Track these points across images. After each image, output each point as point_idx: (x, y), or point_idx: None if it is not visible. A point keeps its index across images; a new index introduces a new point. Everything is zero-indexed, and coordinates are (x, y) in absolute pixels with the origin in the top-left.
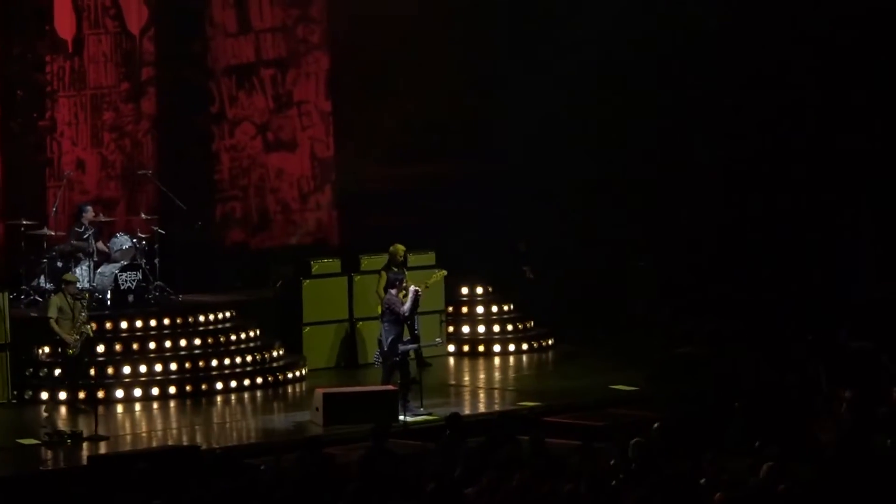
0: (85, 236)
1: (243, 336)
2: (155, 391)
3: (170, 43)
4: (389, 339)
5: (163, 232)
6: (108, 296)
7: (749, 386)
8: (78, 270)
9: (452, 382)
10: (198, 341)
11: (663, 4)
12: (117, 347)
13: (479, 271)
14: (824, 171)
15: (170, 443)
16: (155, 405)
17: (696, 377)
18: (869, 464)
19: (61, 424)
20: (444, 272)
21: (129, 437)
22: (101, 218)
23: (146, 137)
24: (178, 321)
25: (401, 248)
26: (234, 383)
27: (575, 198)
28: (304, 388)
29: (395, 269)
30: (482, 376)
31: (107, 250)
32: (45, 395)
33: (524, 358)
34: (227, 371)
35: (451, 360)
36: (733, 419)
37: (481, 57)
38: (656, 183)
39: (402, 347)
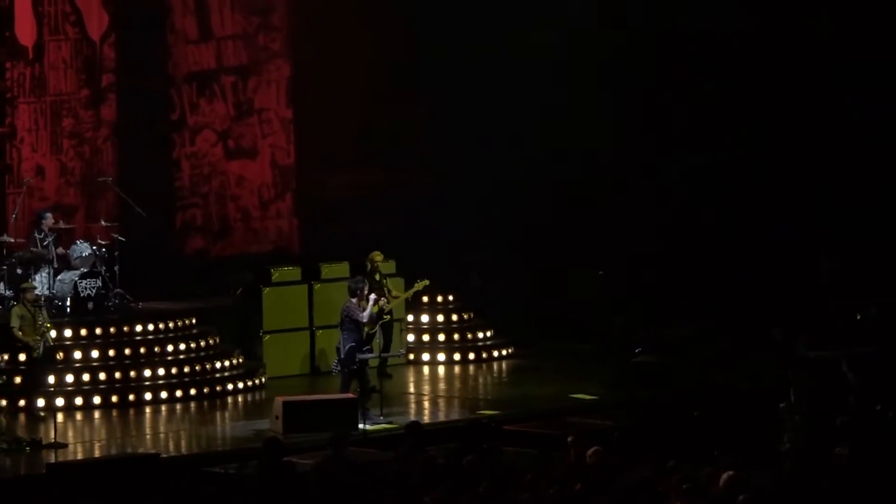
0: (45, 243)
1: (203, 344)
2: (114, 399)
3: (130, 50)
4: (347, 347)
5: (122, 239)
6: (68, 303)
7: (707, 394)
8: (38, 277)
9: (412, 391)
10: (157, 349)
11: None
12: (76, 355)
13: (440, 280)
14: (782, 179)
15: (129, 450)
16: (114, 413)
17: (653, 386)
18: (827, 473)
19: (20, 432)
20: (426, 282)
21: (87, 445)
22: (61, 225)
23: (106, 144)
24: (138, 328)
25: (378, 255)
26: (193, 391)
27: (535, 206)
28: (263, 396)
29: (358, 278)
30: (442, 385)
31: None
32: (3, 402)
33: (483, 367)
34: (186, 379)
35: (411, 369)
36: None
37: (441, 66)
38: (616, 192)
39: (360, 356)
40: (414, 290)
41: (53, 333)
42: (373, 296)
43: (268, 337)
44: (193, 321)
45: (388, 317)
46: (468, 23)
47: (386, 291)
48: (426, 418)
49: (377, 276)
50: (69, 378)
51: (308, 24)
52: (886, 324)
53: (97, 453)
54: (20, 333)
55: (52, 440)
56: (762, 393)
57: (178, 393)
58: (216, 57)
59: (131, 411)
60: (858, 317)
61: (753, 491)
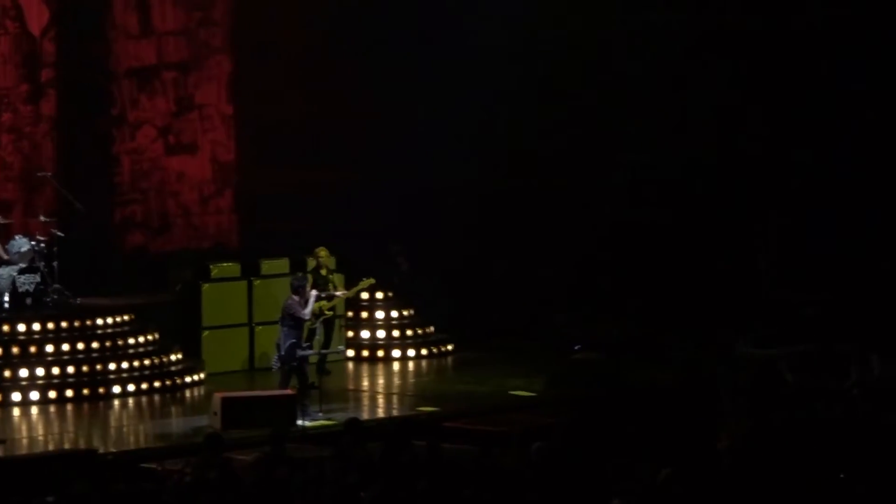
0: None
1: (142, 340)
2: (52, 394)
3: (71, 44)
4: (288, 344)
5: (62, 234)
6: (6, 298)
7: (647, 391)
8: None
9: (351, 387)
10: (95, 345)
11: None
12: (14, 350)
13: (380, 276)
14: (725, 178)
15: (67, 446)
16: (52, 408)
17: (593, 382)
18: (765, 470)
19: None
20: (372, 280)
21: (25, 441)
22: None
23: (45, 139)
24: (77, 324)
25: (323, 251)
26: (132, 387)
27: (473, 203)
28: (202, 392)
29: (300, 275)
30: (381, 381)
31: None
32: None
33: (423, 363)
34: (125, 375)
35: (351, 365)
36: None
37: (379, 63)
38: (555, 189)
39: (300, 352)
40: (359, 287)
41: None
42: (314, 292)
43: (207, 333)
44: (133, 317)
45: (331, 313)
46: (408, 22)
47: (331, 287)
48: (365, 415)
49: (323, 272)
50: (6, 374)
51: (249, 20)
52: (824, 321)
53: (35, 449)
54: None
55: None
56: (701, 391)
57: (117, 389)
58: (157, 52)
59: (69, 407)
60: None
61: (691, 488)
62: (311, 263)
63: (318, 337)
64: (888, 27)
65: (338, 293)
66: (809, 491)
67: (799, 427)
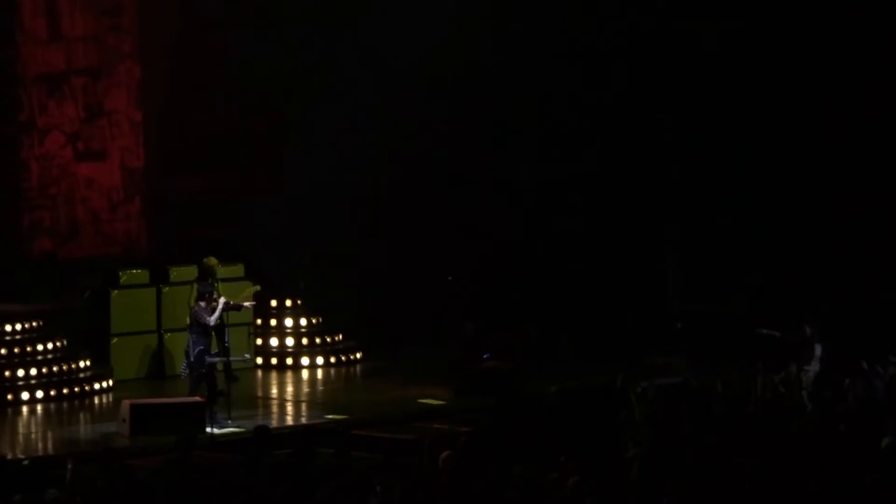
0: None
1: (50, 346)
2: None
3: None
4: (197, 351)
5: None
6: None
7: (555, 399)
8: None
9: (260, 395)
10: (3, 351)
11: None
12: None
13: (287, 284)
14: (631, 190)
15: None
16: None
17: (501, 391)
18: (673, 478)
19: None
20: (257, 287)
21: None
22: None
23: None
24: None
25: (213, 260)
26: (39, 393)
27: (382, 209)
28: (111, 399)
29: (208, 281)
30: (290, 389)
31: None
32: None
33: (332, 371)
34: (33, 381)
35: (259, 373)
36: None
37: (295, 64)
38: (463, 197)
39: (209, 359)
40: (244, 295)
41: None
42: (223, 300)
43: (115, 339)
44: (41, 323)
45: (219, 321)
46: (318, 26)
47: (216, 296)
48: (274, 422)
49: (210, 280)
50: None
51: (159, 27)
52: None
53: None
54: None
55: None
56: (609, 399)
57: (25, 395)
58: (66, 58)
59: None
60: (679, 325)
61: (598, 496)
62: (202, 272)
63: (227, 345)
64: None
65: (220, 300)
66: (718, 498)
67: (709, 434)
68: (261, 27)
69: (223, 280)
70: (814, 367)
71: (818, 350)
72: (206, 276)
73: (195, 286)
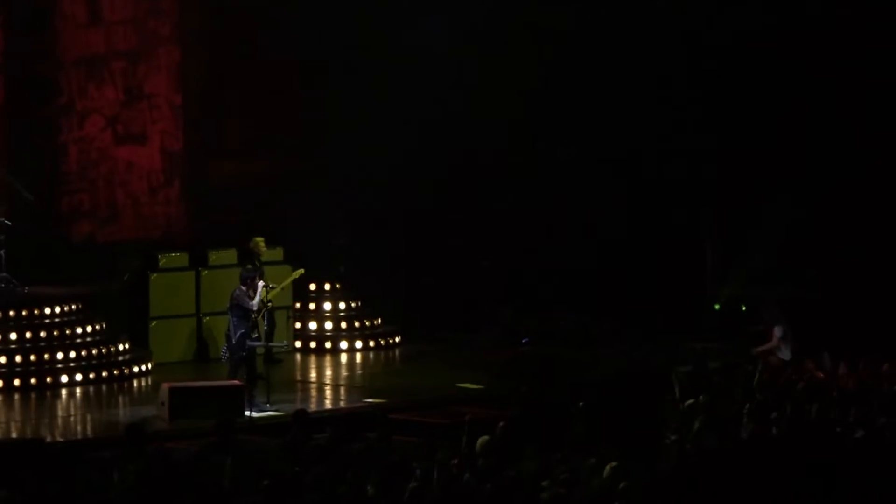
0: None
1: (89, 329)
2: None
3: (18, 33)
4: (238, 334)
5: (9, 223)
6: None
7: (593, 385)
8: None
9: (299, 379)
10: (43, 334)
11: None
12: None
13: (327, 268)
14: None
15: (13, 435)
16: None
17: (539, 376)
18: (712, 465)
19: None
20: (301, 271)
21: None
22: None
23: None
24: (24, 313)
25: (257, 240)
26: (79, 377)
27: (422, 196)
28: (149, 382)
29: (249, 266)
30: (329, 373)
31: None
32: None
33: (371, 355)
34: (72, 364)
35: (298, 357)
36: (576, 418)
37: (333, 52)
38: (501, 182)
39: (249, 343)
40: (290, 279)
41: None
42: (261, 283)
43: (154, 323)
44: (80, 306)
45: (270, 303)
46: (355, 10)
47: (264, 280)
48: (313, 406)
49: (257, 263)
50: None
51: (197, 10)
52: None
53: None
54: None
55: None
56: (649, 385)
57: (64, 378)
58: (106, 41)
59: (16, 396)
60: (743, 307)
61: (636, 482)
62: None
63: (266, 327)
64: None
65: (259, 284)
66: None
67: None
68: (297, 8)
69: (265, 264)
70: (784, 354)
71: (778, 332)
72: (252, 258)
73: (247, 267)
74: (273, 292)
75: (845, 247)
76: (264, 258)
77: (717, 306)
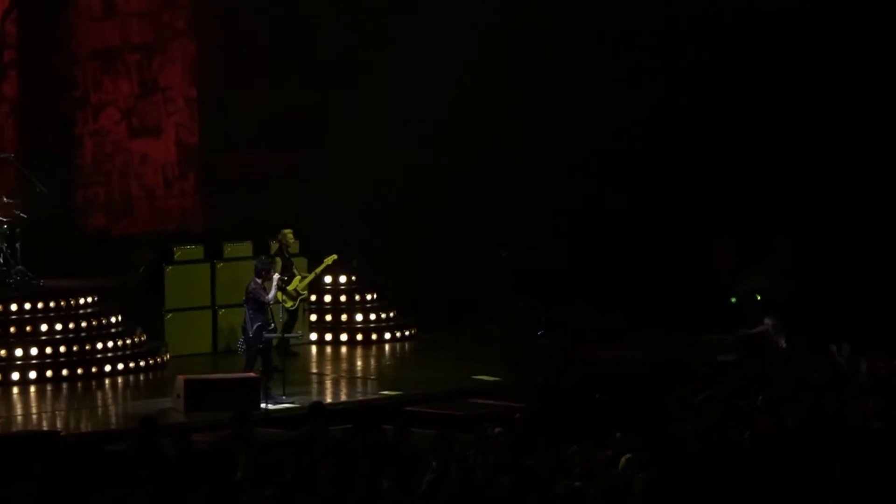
0: None
1: (105, 322)
2: (15, 376)
3: (33, 26)
4: (255, 326)
5: (24, 216)
6: None
7: (610, 377)
8: None
9: (315, 371)
10: (59, 326)
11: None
12: None
13: (341, 261)
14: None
15: (30, 428)
16: (15, 390)
17: (554, 367)
18: (727, 456)
19: None
20: (334, 256)
21: None
22: None
23: (7, 121)
24: (40, 306)
25: (286, 231)
26: (94, 369)
27: (438, 188)
28: (165, 374)
29: (264, 258)
30: (345, 365)
31: None
32: None
33: (387, 347)
34: (88, 357)
35: (314, 349)
36: (592, 410)
37: (349, 46)
38: (517, 174)
39: (266, 335)
40: (324, 265)
41: None
42: (276, 275)
43: (170, 315)
44: (96, 299)
45: (305, 292)
46: (372, 4)
47: (294, 270)
48: (328, 398)
49: (286, 254)
50: None
51: (212, 3)
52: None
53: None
54: None
55: None
56: (664, 376)
57: (80, 371)
58: (121, 34)
59: (32, 389)
60: (758, 297)
61: (652, 473)
62: (275, 246)
63: (281, 318)
64: None
65: (275, 276)
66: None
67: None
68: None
69: (278, 254)
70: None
71: (769, 321)
72: (279, 249)
73: (277, 260)
74: (307, 279)
75: (859, 244)
76: (292, 250)
77: (733, 300)
